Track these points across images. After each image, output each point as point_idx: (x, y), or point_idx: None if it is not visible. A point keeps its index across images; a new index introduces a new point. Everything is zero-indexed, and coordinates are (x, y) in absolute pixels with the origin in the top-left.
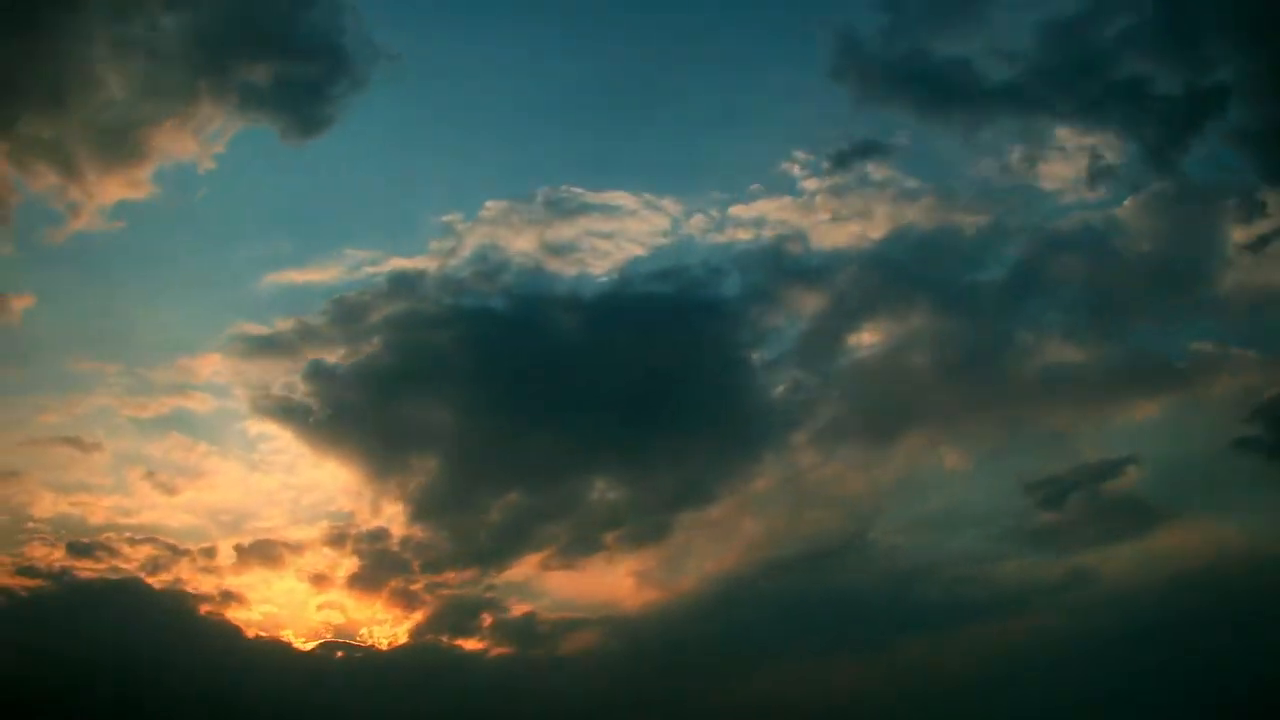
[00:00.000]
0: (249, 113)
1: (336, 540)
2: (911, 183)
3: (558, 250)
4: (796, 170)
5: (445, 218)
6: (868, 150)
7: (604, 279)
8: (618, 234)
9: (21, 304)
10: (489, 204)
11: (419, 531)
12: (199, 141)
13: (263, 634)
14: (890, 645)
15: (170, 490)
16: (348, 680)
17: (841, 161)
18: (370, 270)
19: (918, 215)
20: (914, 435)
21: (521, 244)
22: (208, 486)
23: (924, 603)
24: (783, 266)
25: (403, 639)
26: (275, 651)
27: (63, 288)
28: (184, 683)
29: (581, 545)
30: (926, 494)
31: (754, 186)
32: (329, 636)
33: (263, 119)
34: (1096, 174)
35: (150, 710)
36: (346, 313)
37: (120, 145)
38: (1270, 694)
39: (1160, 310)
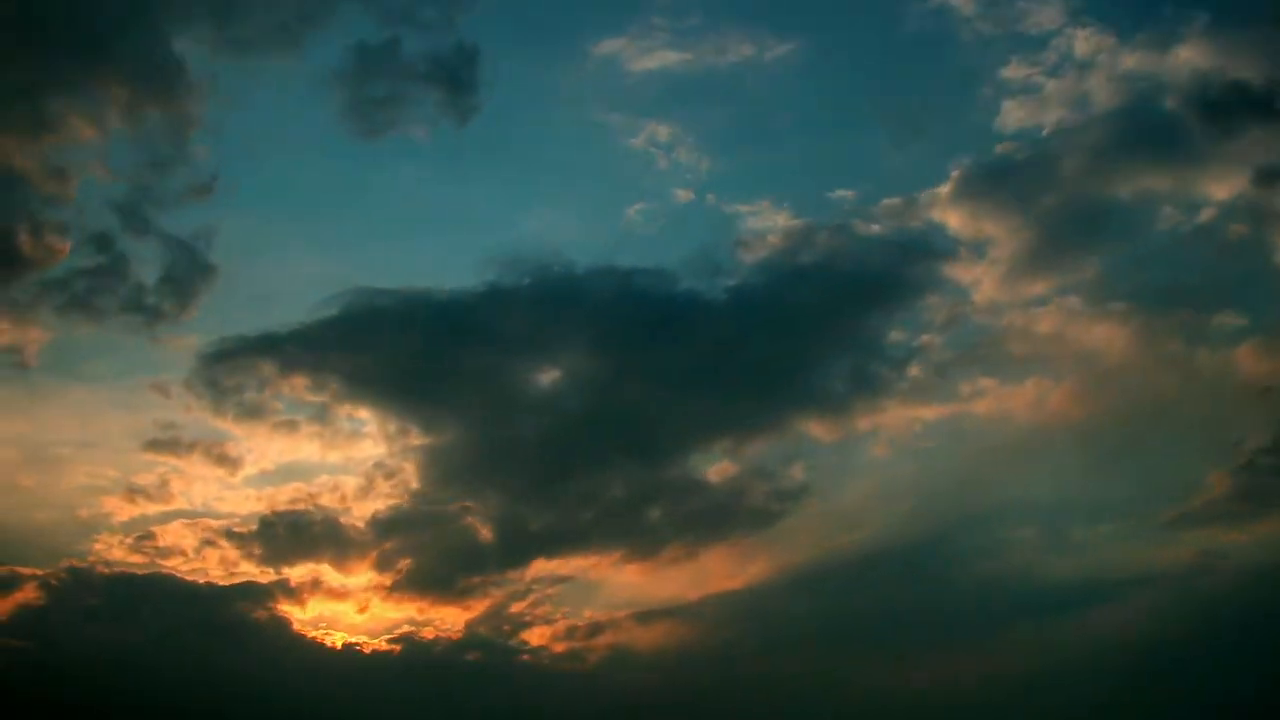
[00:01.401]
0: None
1: (400, 526)
2: None
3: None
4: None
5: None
6: None
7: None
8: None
9: None
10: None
11: (495, 519)
12: None
13: (316, 628)
14: (1002, 634)
15: (234, 468)
16: (407, 674)
17: None
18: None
19: None
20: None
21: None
22: (274, 465)
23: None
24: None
25: (465, 633)
26: (329, 645)
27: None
28: (234, 677)
29: (672, 534)
30: (1059, 479)
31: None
32: (387, 630)
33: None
34: None
35: (198, 707)
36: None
37: None
38: None
39: None
